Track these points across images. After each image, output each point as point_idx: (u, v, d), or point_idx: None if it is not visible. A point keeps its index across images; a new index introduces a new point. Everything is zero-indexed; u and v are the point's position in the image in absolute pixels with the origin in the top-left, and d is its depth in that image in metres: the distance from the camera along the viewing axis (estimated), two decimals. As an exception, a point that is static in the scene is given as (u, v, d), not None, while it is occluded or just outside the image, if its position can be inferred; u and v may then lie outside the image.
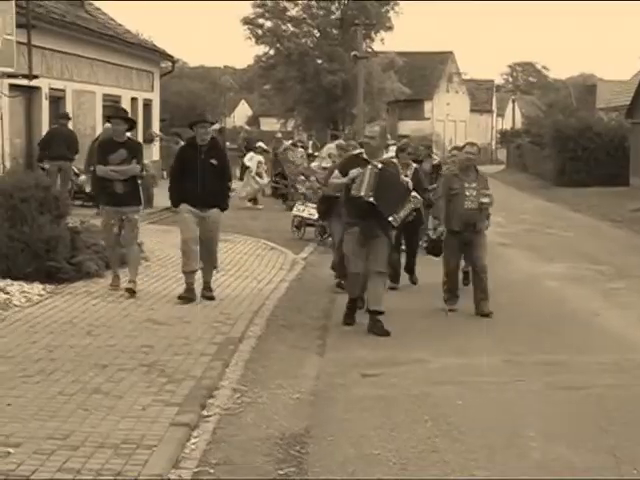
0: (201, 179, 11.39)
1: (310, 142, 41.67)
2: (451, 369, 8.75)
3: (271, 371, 8.52)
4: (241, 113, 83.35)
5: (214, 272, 12.16)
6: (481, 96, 79.99)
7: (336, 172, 10.61)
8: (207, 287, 11.88)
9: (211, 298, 11.68)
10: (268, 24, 50.73)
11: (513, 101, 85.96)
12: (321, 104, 49.85)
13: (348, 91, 47.60)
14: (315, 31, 51.66)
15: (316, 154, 32.59)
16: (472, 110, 76.23)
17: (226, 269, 13.92)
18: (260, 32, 50.62)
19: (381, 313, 10.30)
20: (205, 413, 7.14)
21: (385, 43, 52.63)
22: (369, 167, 10.00)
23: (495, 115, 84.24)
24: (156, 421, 6.74)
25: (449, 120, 69.11)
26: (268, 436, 6.68)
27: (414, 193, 10.30)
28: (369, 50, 49.07)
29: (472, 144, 12.34)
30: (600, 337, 10.53)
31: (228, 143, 37.44)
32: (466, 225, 11.48)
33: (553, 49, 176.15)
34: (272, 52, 51.30)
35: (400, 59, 52.89)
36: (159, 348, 8.98)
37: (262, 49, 51.44)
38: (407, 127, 55.20)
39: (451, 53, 71.91)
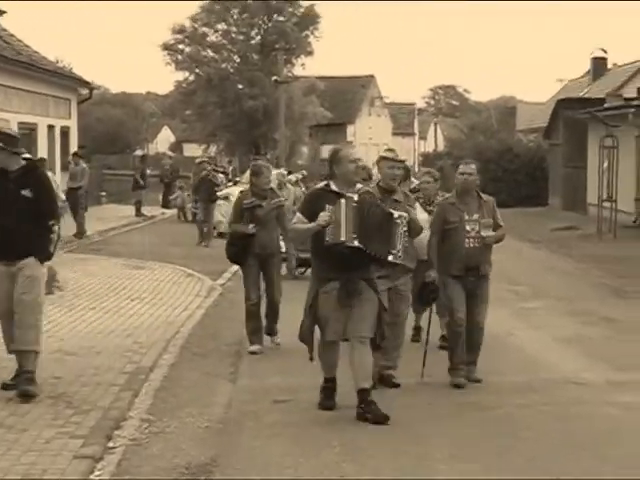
0: (7, 217, 8.13)
1: (230, 167, 41.66)
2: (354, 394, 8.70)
3: (181, 400, 8.42)
4: (164, 139, 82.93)
5: (35, 357, 8.30)
6: (403, 119, 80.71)
7: (298, 214, 8.15)
8: (26, 379, 8.19)
9: (31, 395, 8.08)
10: (188, 50, 50.58)
11: (435, 124, 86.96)
12: (242, 129, 49.75)
13: (269, 116, 47.62)
14: (235, 56, 51.63)
15: (237, 179, 32.61)
16: (394, 133, 76.79)
17: (141, 297, 13.80)
18: (180, 58, 50.45)
19: (372, 389, 8.04)
20: (111, 445, 7.02)
21: (306, 68, 52.81)
22: (342, 201, 7.72)
23: (417, 138, 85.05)
24: (59, 454, 6.62)
25: (372, 143, 69.45)
26: (174, 466, 6.59)
27: (396, 213, 7.98)
28: (290, 75, 49.19)
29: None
30: (514, 357, 10.63)
31: (149, 170, 37.23)
32: (468, 269, 9.16)
33: (474, 72, 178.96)
34: (192, 77, 51.12)
35: (321, 83, 53.07)
36: (68, 379, 8.84)
37: (182, 75, 51.28)
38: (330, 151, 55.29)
39: (372, 77, 72.40)
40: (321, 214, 7.67)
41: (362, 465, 6.68)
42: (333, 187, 7.98)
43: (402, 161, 9.04)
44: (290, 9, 51.03)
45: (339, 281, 7.86)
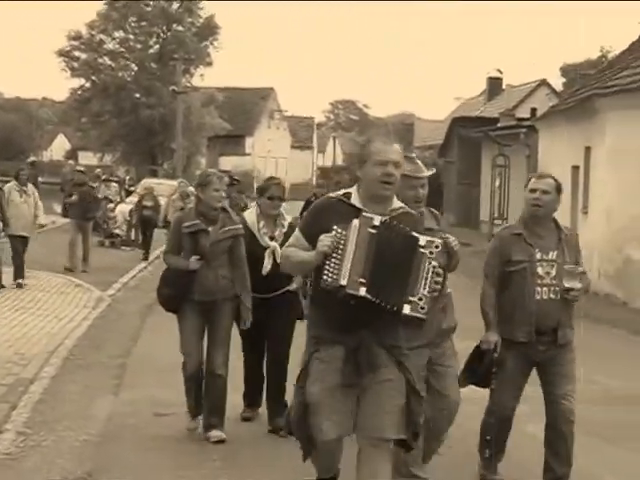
0: None
1: (127, 177, 41.15)
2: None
3: (60, 413, 8.23)
4: (59, 146, 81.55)
5: None
6: (302, 133, 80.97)
7: (296, 233, 5.36)
8: None
9: None
10: (84, 56, 49.87)
11: (334, 138, 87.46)
12: (139, 138, 49.23)
13: (167, 126, 47.25)
14: (133, 65, 51.15)
15: (131, 188, 32.27)
16: (293, 147, 77.06)
17: (26, 307, 13.50)
18: (76, 65, 49.71)
19: None
20: (-16, 459, 6.83)
21: (205, 78, 52.68)
22: (355, 223, 4.95)
23: (316, 152, 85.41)
24: None
25: (270, 156, 69.55)
26: (48, 481, 6.44)
27: (422, 237, 5.00)
28: (188, 85, 48.98)
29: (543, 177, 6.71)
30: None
31: (40, 178, 36.44)
32: (540, 332, 6.35)
33: (374, 88, 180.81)
34: (88, 85, 50.45)
35: (220, 94, 52.91)
36: (-58, 391, 8.58)
37: (78, 82, 50.54)
38: (228, 163, 55.27)
39: (272, 89, 72.53)
40: (321, 237, 4.94)
41: (242, 478, 6.64)
42: (354, 199, 5.17)
43: (424, 177, 6.13)
44: (189, 19, 50.83)
45: (344, 346, 5.07)
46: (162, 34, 50.87)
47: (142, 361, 10.66)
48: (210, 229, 7.53)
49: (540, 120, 26.37)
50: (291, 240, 5.34)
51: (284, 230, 7.80)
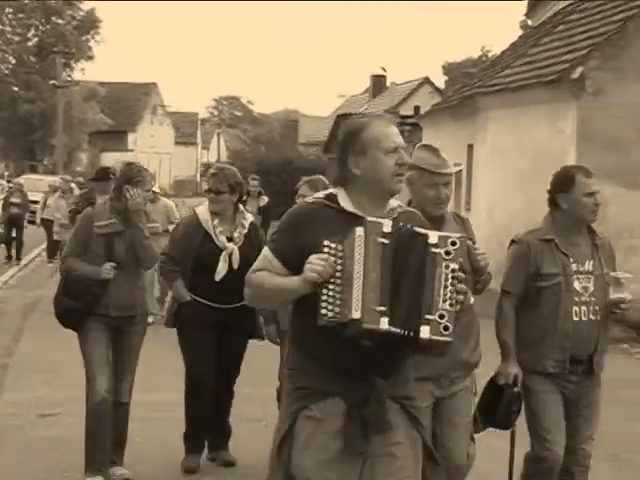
0: None
1: (6, 173, 40.23)
2: (141, 406, 8.51)
3: (-60, 415, 7.98)
4: None
5: None
6: (186, 129, 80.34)
7: (266, 252, 3.91)
8: None
9: None
10: (-42, 48, 48.65)
11: (218, 134, 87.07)
12: (17, 134, 48.18)
13: (47, 121, 46.36)
14: (10, 57, 50.00)
15: (10, 185, 31.50)
16: (177, 142, 76.40)
17: None
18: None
19: None
20: None
21: (86, 73, 51.92)
22: (358, 233, 3.63)
23: (200, 148, 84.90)
24: None
25: (153, 152, 68.79)
26: None
27: (433, 234, 3.71)
28: (69, 79, 48.12)
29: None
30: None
31: None
32: (574, 360, 5.24)
33: (258, 84, 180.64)
34: (-37, 77, 49.22)
35: (102, 89, 52.19)
36: None
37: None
38: (110, 159, 54.45)
39: (155, 85, 71.81)
40: (311, 259, 3.60)
41: (135, 475, 6.52)
42: (342, 202, 3.85)
43: (449, 174, 4.99)
44: (69, 12, 49.96)
45: (344, 399, 3.73)
46: (41, 27, 49.88)
47: (25, 361, 10.41)
48: (127, 230, 6.35)
49: (424, 118, 26.72)
50: (259, 263, 3.87)
51: (244, 231, 6.73)
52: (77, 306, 6.31)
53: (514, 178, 17.38)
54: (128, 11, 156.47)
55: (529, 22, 27.68)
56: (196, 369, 6.66)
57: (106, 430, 6.31)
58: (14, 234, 21.36)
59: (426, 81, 45.46)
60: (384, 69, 49.54)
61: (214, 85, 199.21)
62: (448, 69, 55.50)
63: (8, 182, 34.53)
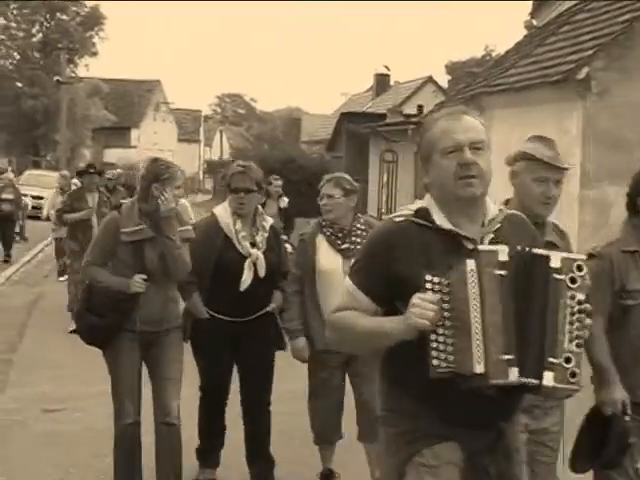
0: None
1: (9, 168, 40.23)
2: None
3: (-56, 410, 7.98)
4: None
5: None
6: (189, 126, 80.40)
7: (349, 287, 3.27)
8: None
9: None
10: (-37, 43, 48.74)
11: (221, 132, 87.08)
12: (21, 129, 48.21)
13: (50, 117, 46.39)
14: (15, 53, 50.05)
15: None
16: (180, 140, 76.45)
17: None
18: (-46, 52, 48.54)
19: None
20: None
21: (90, 69, 52.00)
22: (469, 266, 3.00)
23: (203, 145, 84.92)
24: None
25: (157, 149, 68.75)
26: None
27: (555, 256, 3.07)
28: (73, 75, 48.12)
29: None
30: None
31: None
32: None
33: (260, 82, 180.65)
34: (-32, 72, 49.28)
35: (106, 85, 52.25)
36: None
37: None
38: (113, 155, 54.51)
39: (158, 82, 71.88)
40: (416, 301, 3.01)
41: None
42: (437, 218, 3.25)
43: (564, 169, 4.40)
44: (74, 8, 50.03)
45: (461, 445, 3.24)
46: (45, 22, 49.93)
47: (29, 357, 10.38)
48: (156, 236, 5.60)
49: (428, 117, 26.72)
50: (342, 300, 3.24)
51: (266, 234, 6.07)
52: (104, 323, 5.55)
53: (518, 177, 17.36)
54: (132, 8, 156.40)
55: (534, 22, 27.64)
56: (212, 382, 6.15)
57: (137, 461, 5.68)
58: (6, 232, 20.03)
59: (429, 80, 45.43)
60: (388, 68, 49.53)
61: (217, 82, 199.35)
62: (452, 68, 55.52)
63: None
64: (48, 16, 49.88)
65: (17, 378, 9.40)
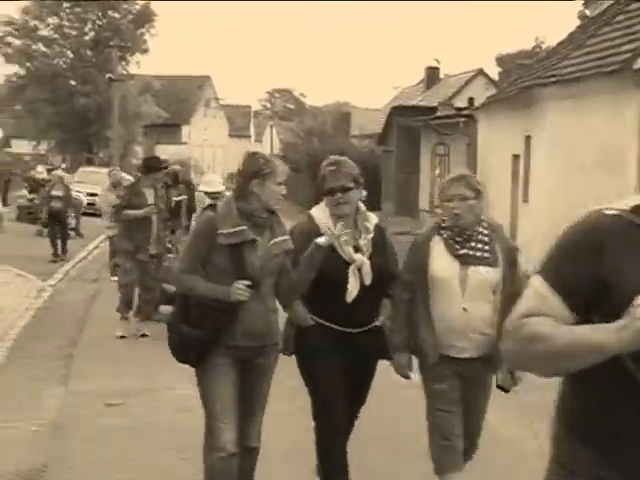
0: None
1: (63, 165, 40.72)
2: (195, 396, 8.61)
3: (9, 404, 8.12)
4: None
5: None
6: (239, 121, 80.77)
7: (540, 288, 2.61)
8: None
9: None
10: (17, 43, 49.25)
11: (271, 127, 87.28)
12: (74, 127, 48.74)
13: (103, 114, 46.84)
14: (68, 52, 50.61)
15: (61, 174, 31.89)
16: (230, 135, 76.82)
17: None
18: (10, 51, 49.05)
19: None
20: None
21: (141, 66, 52.36)
22: None
23: (253, 140, 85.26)
24: None
25: (207, 145, 69.26)
26: (1, 473, 6.33)
27: None
28: (124, 72, 48.54)
29: None
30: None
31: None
32: None
33: (310, 77, 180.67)
34: (23, 72, 49.83)
35: (157, 82, 52.60)
36: None
37: (12, 68, 49.95)
38: (165, 151, 54.83)
39: (208, 78, 72.22)
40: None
41: (198, 466, 6.58)
42: None
43: None
44: (125, 6, 50.46)
45: None
46: (97, 21, 50.42)
47: (89, 351, 10.54)
48: (258, 238, 5.09)
49: (480, 109, 26.59)
50: (529, 304, 2.63)
51: (370, 236, 5.44)
52: (200, 336, 5.01)
53: (574, 169, 17.24)
54: (182, 4, 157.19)
55: (587, 12, 27.39)
56: (325, 397, 5.40)
57: None
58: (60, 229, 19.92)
59: (480, 73, 45.12)
60: (438, 61, 49.31)
61: (267, 78, 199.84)
62: (502, 61, 55.05)
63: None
64: (100, 14, 50.36)
65: (78, 372, 9.54)
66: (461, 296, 5.11)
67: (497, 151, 21.76)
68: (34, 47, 49.86)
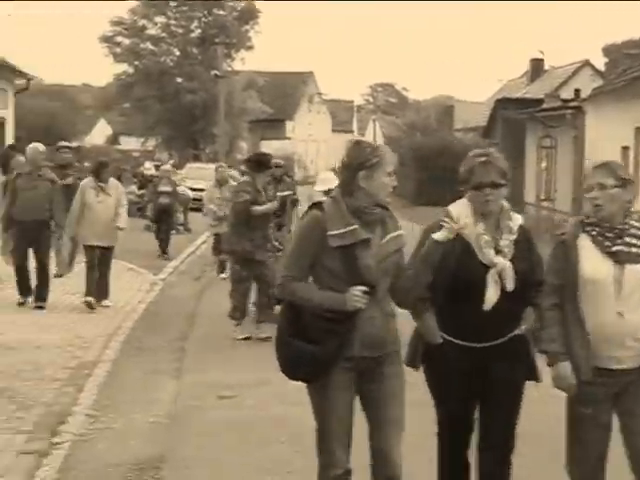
0: None
1: (170, 162, 41.39)
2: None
3: (126, 396, 8.35)
4: (100, 131, 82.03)
5: None
6: (342, 116, 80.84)
7: None
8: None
9: None
10: (126, 42, 50.36)
11: (374, 121, 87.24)
12: (181, 123, 49.56)
13: (208, 110, 47.52)
14: (175, 50, 51.51)
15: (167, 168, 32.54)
16: (334, 130, 76.95)
17: (82, 291, 13.62)
18: (119, 50, 50.20)
19: None
20: (56, 440, 6.92)
21: (246, 62, 52.92)
22: None
23: (356, 135, 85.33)
24: (4, 450, 6.55)
25: (311, 140, 69.58)
26: (121, 462, 6.53)
27: None
28: (230, 69, 49.16)
29: None
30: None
31: (77, 163, 36.51)
32: None
33: (412, 71, 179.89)
34: (131, 70, 50.93)
35: (261, 78, 53.12)
36: (9, 373, 8.72)
37: (121, 67, 51.11)
38: (269, 147, 55.32)
39: (311, 73, 72.49)
40: None
41: (309, 460, 6.65)
42: None
43: None
44: (230, 3, 51.09)
45: None
46: (203, 18, 51.17)
47: (200, 345, 10.74)
48: (371, 237, 4.64)
49: (587, 101, 26.15)
50: None
51: (513, 237, 4.91)
52: (318, 352, 4.49)
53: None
54: (283, 5, 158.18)
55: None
56: (452, 414, 4.97)
57: None
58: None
59: (586, 64, 44.31)
60: (542, 52, 48.63)
61: (369, 72, 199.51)
62: (608, 51, 53.91)
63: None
64: (206, 12, 51.10)
65: (190, 365, 9.73)
66: (615, 299, 4.60)
67: (606, 143, 21.38)
68: (142, 46, 50.88)
